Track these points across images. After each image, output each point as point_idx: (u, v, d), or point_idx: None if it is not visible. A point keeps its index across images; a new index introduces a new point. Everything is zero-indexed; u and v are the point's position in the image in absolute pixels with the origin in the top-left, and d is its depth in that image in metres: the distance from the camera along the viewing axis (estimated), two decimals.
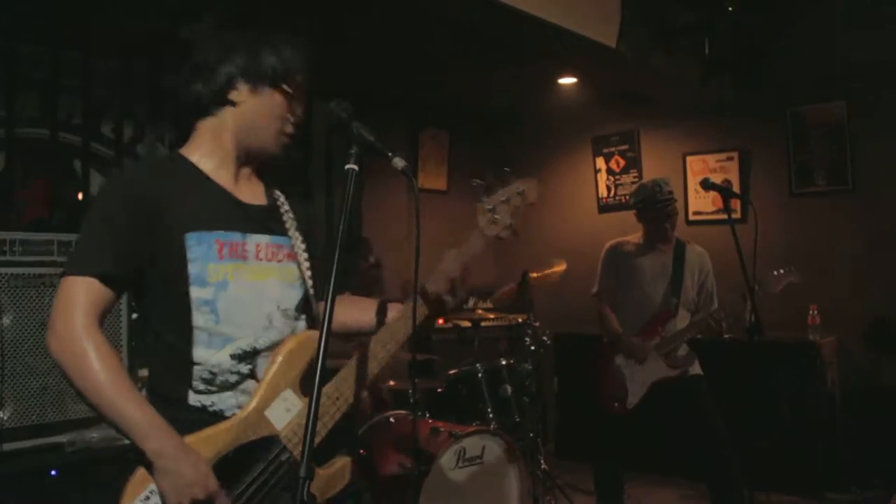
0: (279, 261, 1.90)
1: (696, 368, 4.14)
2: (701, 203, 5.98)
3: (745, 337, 3.79)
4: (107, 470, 3.11)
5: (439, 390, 4.38)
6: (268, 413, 1.78)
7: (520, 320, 4.77)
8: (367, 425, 3.94)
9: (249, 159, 1.91)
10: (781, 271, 3.92)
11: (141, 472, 1.65)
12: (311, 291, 1.97)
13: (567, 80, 5.99)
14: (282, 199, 2.01)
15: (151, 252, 1.73)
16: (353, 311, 2.13)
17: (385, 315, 2.07)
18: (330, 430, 1.84)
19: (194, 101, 1.85)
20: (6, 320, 3.13)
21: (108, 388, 1.62)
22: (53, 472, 3.09)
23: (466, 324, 5.02)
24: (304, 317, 1.94)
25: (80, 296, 1.65)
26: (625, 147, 6.50)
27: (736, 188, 5.72)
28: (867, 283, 5.15)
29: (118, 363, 1.65)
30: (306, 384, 1.84)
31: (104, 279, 1.67)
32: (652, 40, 4.84)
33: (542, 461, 4.62)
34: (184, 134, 1.91)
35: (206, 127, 1.87)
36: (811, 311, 5.23)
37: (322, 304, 1.96)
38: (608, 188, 6.62)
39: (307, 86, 1.90)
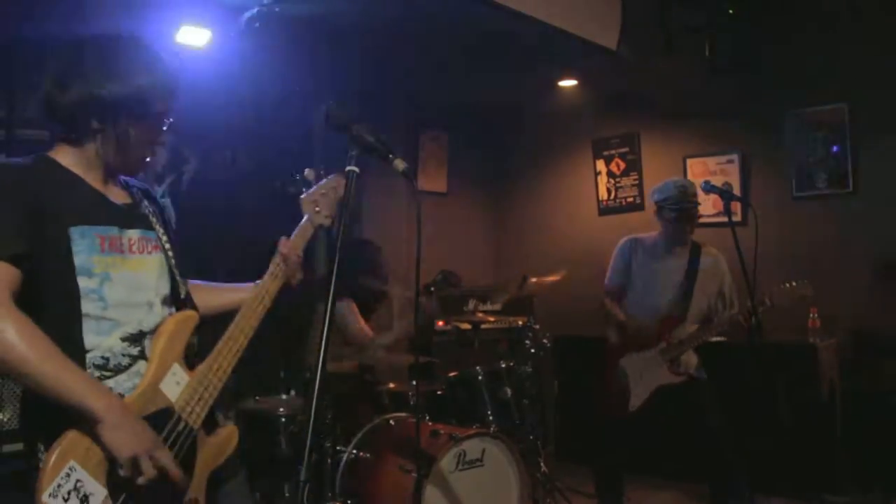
0: (149, 252, 2.00)
1: (700, 373, 4.13)
2: (702, 206, 5.96)
3: (745, 340, 3.79)
4: None
5: (439, 393, 4.38)
6: (161, 386, 1.88)
7: (520, 323, 4.77)
8: (367, 428, 3.93)
9: (113, 172, 1.99)
10: (794, 284, 3.89)
11: (58, 451, 1.68)
12: (179, 277, 2.08)
13: (568, 83, 6.00)
14: (140, 195, 2.10)
15: (39, 243, 1.76)
16: (222, 293, 2.28)
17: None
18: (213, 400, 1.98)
19: (56, 126, 1.89)
20: None
21: (43, 357, 1.65)
22: None
23: (466, 326, 5.02)
24: (175, 302, 2.05)
25: None
26: (625, 149, 6.50)
27: (736, 191, 5.71)
28: (868, 285, 5.14)
29: (40, 334, 1.66)
30: (189, 360, 1.98)
31: (14, 260, 1.70)
32: (652, 43, 4.84)
33: (542, 463, 4.61)
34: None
35: (72, 142, 1.90)
36: (811, 315, 5.22)
37: (191, 284, 2.16)
38: (608, 191, 6.61)
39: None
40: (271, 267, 2.18)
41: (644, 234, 4.33)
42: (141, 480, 1.71)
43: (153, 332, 1.93)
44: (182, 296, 2.08)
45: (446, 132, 6.75)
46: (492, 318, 5.09)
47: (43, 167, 1.88)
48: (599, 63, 4.88)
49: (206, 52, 4.48)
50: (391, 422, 3.93)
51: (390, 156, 1.73)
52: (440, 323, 5.46)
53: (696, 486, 4.93)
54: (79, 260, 1.80)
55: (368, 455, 3.81)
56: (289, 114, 5.42)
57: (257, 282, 2.19)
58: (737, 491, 3.83)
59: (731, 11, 5.10)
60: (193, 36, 4.38)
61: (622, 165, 6.52)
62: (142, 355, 1.90)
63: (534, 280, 4.71)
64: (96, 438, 1.69)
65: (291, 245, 2.22)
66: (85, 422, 1.68)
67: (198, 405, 1.93)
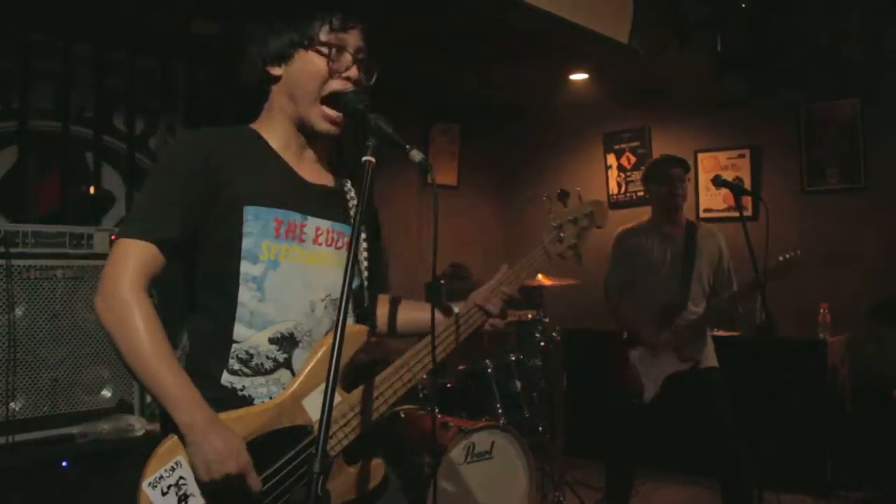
0: (338, 248, 1.87)
1: (711, 360, 4.11)
2: (712, 200, 5.96)
3: (755, 335, 3.79)
4: (118, 461, 3.13)
5: (448, 385, 4.39)
6: (305, 402, 1.75)
7: (529, 316, 4.76)
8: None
9: (308, 135, 1.88)
10: (787, 256, 3.87)
11: (170, 442, 1.63)
12: (367, 284, 1.94)
13: (579, 76, 5.97)
14: (349, 185, 1.97)
15: (208, 219, 1.71)
16: (414, 311, 2.11)
17: (450, 312, 2.05)
18: (374, 425, 1.82)
19: (246, 86, 1.86)
20: (19, 312, 3.14)
21: (149, 354, 1.60)
22: (65, 464, 3.11)
23: None
24: (354, 309, 1.91)
25: (133, 259, 1.64)
26: (636, 143, 6.49)
27: (747, 185, 5.69)
28: (879, 281, 5.12)
29: (161, 331, 1.63)
30: (348, 379, 1.82)
31: (161, 245, 1.66)
32: (664, 36, 4.82)
33: (550, 457, 4.62)
34: (220, 118, 1.94)
35: (266, 107, 1.88)
36: (822, 310, 5.20)
37: (380, 296, 2.01)
38: (619, 185, 6.60)
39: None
40: (461, 315, 1.97)
41: (634, 223, 4.32)
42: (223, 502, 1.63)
43: (307, 338, 1.79)
44: (364, 304, 1.92)
45: (457, 125, 6.75)
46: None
47: (236, 136, 1.83)
48: (611, 56, 4.86)
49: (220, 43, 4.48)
50: (401, 414, 3.95)
51: (408, 147, 1.71)
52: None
53: (705, 481, 4.93)
54: (247, 243, 1.72)
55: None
56: None
57: (457, 306, 2.00)
58: (745, 485, 3.82)
59: (743, 5, 5.07)
60: (205, 26, 4.38)
61: (633, 159, 6.51)
62: (287, 364, 1.76)
63: (548, 283, 4.69)
64: None
65: (517, 281, 2.00)
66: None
67: (342, 430, 1.75)
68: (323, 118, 1.83)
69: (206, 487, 1.62)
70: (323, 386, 1.68)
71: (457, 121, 6.73)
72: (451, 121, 6.70)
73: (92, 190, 4.40)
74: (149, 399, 3.55)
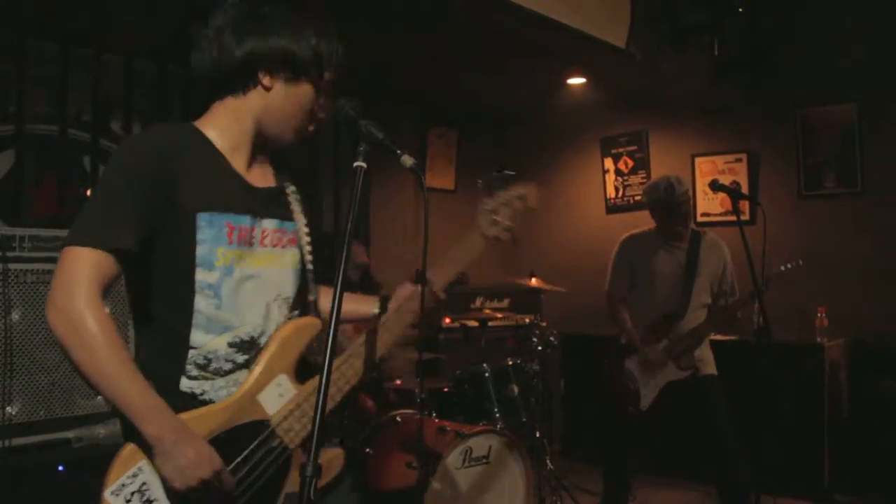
0: (283, 246, 1.87)
1: (710, 368, 4.11)
2: (709, 204, 5.97)
3: (753, 339, 3.78)
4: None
5: (446, 390, 4.38)
6: (260, 397, 1.76)
7: (527, 320, 4.77)
8: (374, 424, 3.94)
9: (264, 145, 1.87)
10: (788, 266, 3.89)
11: (128, 449, 1.62)
12: (311, 276, 1.95)
13: (576, 80, 5.98)
14: (289, 182, 1.98)
15: (162, 226, 1.65)
16: (350, 303, 2.13)
17: (387, 304, 2.07)
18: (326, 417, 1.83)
19: (223, 76, 1.79)
20: (15, 316, 3.14)
21: (109, 366, 1.54)
22: (61, 468, 3.10)
23: (474, 323, 5.02)
24: (299, 305, 1.93)
25: (86, 268, 1.55)
26: (633, 148, 6.49)
27: (745, 190, 5.69)
28: (876, 285, 5.12)
29: (120, 340, 1.57)
30: (300, 371, 1.84)
31: (115, 254, 1.59)
32: (661, 41, 4.82)
33: (547, 461, 4.61)
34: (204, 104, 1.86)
35: (227, 106, 1.82)
36: (819, 314, 5.20)
37: (321, 287, 2.00)
38: (616, 189, 6.61)
39: (339, 84, 1.85)
40: (400, 300, 2.00)
41: (641, 230, 4.31)
42: None
43: (265, 340, 1.80)
44: (311, 298, 1.94)
45: (454, 129, 6.75)
46: (499, 316, 5.09)
47: (186, 138, 1.76)
48: (608, 61, 4.86)
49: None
50: (398, 418, 3.94)
51: (398, 151, 1.72)
52: (447, 320, 5.47)
53: (702, 485, 4.93)
54: (201, 250, 1.68)
55: (375, 451, 3.82)
56: None
57: (395, 293, 2.06)
58: (743, 490, 3.82)
59: (740, 10, 5.08)
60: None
61: (630, 164, 6.51)
62: (246, 365, 1.77)
63: (536, 283, 4.70)
64: None
65: (458, 263, 2.06)
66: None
67: (299, 423, 1.78)
68: (297, 136, 1.87)
69: (177, 494, 1.60)
70: (278, 379, 1.76)
71: (454, 125, 6.73)
72: (449, 125, 6.70)
73: (88, 193, 4.40)
74: None
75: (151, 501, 1.62)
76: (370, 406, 4.22)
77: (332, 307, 1.57)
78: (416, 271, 1.99)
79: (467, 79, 5.81)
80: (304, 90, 1.83)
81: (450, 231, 6.39)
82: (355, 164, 1.67)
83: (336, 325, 1.55)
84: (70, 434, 3.22)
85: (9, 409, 3.10)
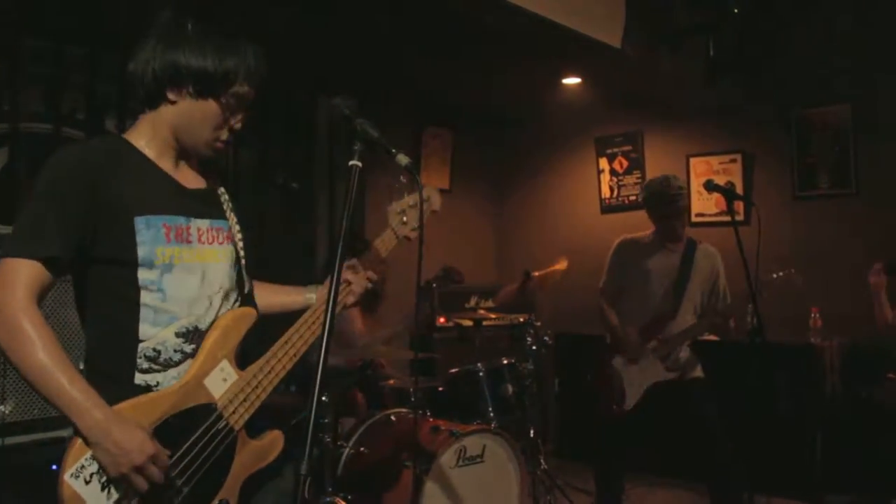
0: (220, 243, 1.96)
1: (696, 371, 4.12)
2: (704, 205, 5.98)
3: (746, 339, 3.80)
4: None
5: (440, 389, 4.38)
6: (206, 382, 1.85)
7: (521, 320, 4.77)
8: (368, 423, 3.94)
9: (185, 155, 1.96)
10: (780, 274, 3.90)
11: (80, 441, 1.68)
12: (244, 271, 2.05)
13: (571, 80, 5.99)
14: (217, 181, 2.08)
15: (97, 232, 1.74)
16: (276, 295, 2.26)
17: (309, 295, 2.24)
18: (261, 403, 1.93)
19: (135, 92, 1.87)
20: None
21: (43, 365, 1.63)
22: (54, 467, 3.09)
23: (468, 323, 5.02)
24: (237, 296, 2.02)
25: (22, 277, 1.66)
26: (628, 148, 6.50)
27: (739, 190, 5.71)
28: (870, 286, 5.13)
29: (55, 341, 1.66)
30: (241, 358, 1.93)
31: (48, 263, 1.69)
32: (656, 41, 4.84)
33: (542, 461, 4.62)
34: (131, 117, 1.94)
35: (147, 118, 1.90)
36: (813, 314, 5.22)
37: (255, 281, 2.14)
38: (611, 189, 6.62)
39: (250, 96, 1.91)
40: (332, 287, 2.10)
41: (638, 234, 4.32)
42: (138, 492, 1.68)
43: (209, 329, 1.89)
44: (245, 291, 2.05)
45: (449, 129, 6.75)
46: (493, 315, 5.10)
47: (114, 149, 1.85)
48: (603, 61, 4.87)
49: None
50: (392, 417, 3.94)
51: (393, 150, 1.74)
52: (442, 319, 5.47)
53: (694, 485, 4.94)
54: (142, 251, 1.77)
55: (369, 450, 3.82)
56: (291, 108, 5.43)
57: (320, 287, 2.19)
58: (735, 490, 3.83)
59: (735, 11, 5.10)
60: None
61: (625, 164, 6.52)
62: (194, 354, 1.86)
63: (536, 274, 4.70)
64: None
65: (376, 258, 2.23)
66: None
67: (242, 405, 1.88)
68: (210, 148, 1.93)
69: (119, 482, 1.67)
70: (221, 365, 1.86)
71: (449, 125, 6.73)
72: (444, 125, 6.70)
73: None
74: None
75: (111, 482, 1.68)
76: (360, 401, 4.23)
77: (328, 304, 1.59)
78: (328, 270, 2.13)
79: (462, 78, 5.81)
80: (209, 106, 1.87)
81: (445, 230, 6.44)
82: (350, 163, 1.70)
83: (332, 320, 1.58)
84: (64, 433, 3.20)
85: (2, 407, 3.10)
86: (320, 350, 1.57)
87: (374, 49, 4.97)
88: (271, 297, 2.22)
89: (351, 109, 1.78)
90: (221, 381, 1.86)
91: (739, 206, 5.52)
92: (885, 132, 5.17)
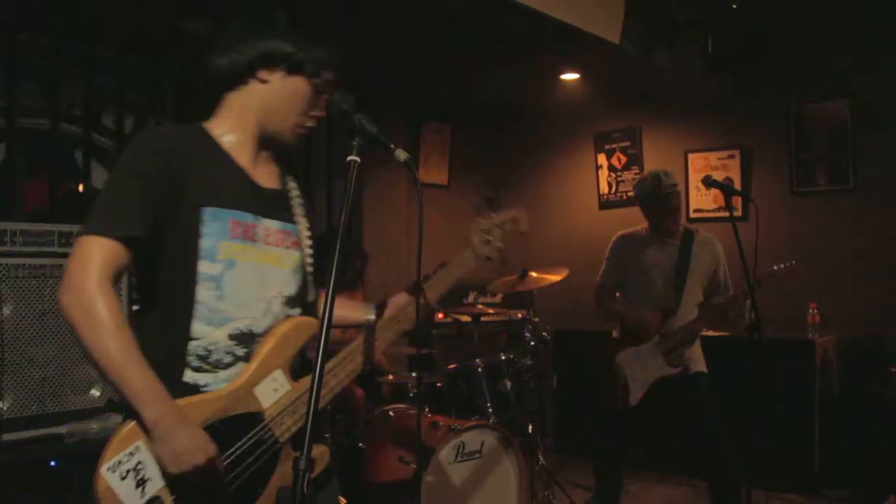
0: (286, 247, 1.92)
1: (699, 365, 4.11)
2: (702, 200, 5.98)
3: (744, 334, 3.80)
4: None
5: (439, 385, 4.38)
6: (256, 390, 1.81)
7: (519, 316, 4.77)
8: (366, 419, 3.94)
9: (267, 144, 1.93)
10: (781, 266, 3.90)
11: (128, 427, 1.66)
12: (311, 279, 2.00)
13: (569, 76, 5.99)
14: (293, 185, 2.04)
15: (168, 218, 1.72)
16: (344, 310, 2.19)
17: (383, 310, 2.14)
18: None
19: (225, 71, 1.87)
20: (6, 310, 3.13)
21: (115, 350, 1.60)
22: (53, 463, 3.09)
23: (466, 318, 5.02)
24: (299, 305, 1.97)
25: (98, 255, 1.63)
26: (626, 143, 6.50)
27: (737, 186, 5.70)
28: (867, 281, 5.14)
29: (127, 326, 1.64)
30: (296, 368, 1.88)
31: (127, 242, 1.67)
32: (655, 36, 4.82)
33: (540, 456, 4.62)
34: (207, 107, 1.93)
35: (231, 103, 1.89)
36: (811, 310, 5.22)
37: (321, 292, 2.06)
38: (609, 185, 6.61)
39: (334, 87, 1.91)
40: (396, 309, 2.08)
41: (634, 229, 4.32)
42: (189, 492, 1.67)
43: (265, 335, 1.84)
44: (309, 300, 2.01)
45: (448, 124, 6.75)
46: (491, 311, 5.10)
47: (194, 136, 1.84)
48: (601, 56, 4.86)
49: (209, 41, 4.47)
50: (391, 413, 3.94)
51: (392, 146, 1.74)
52: (440, 315, 5.47)
53: (694, 481, 4.95)
54: (205, 243, 1.75)
55: (368, 446, 3.82)
56: None
57: (388, 301, 2.14)
58: (734, 485, 3.83)
59: (734, 6, 5.09)
60: (195, 24, 4.37)
61: (623, 159, 6.52)
62: (246, 358, 1.82)
63: (534, 275, 4.70)
64: None
65: (450, 279, 2.15)
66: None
67: (290, 418, 1.83)
68: (294, 134, 1.92)
69: (172, 477, 1.65)
70: (274, 374, 1.81)
71: (448, 120, 6.73)
72: (443, 120, 6.70)
73: (80, 188, 4.38)
74: None
75: (146, 480, 1.65)
76: (359, 396, 4.22)
77: (326, 302, 1.59)
78: (412, 283, 2.09)
79: (461, 74, 5.80)
80: (299, 85, 1.88)
81: (443, 226, 6.45)
82: (349, 158, 1.70)
83: (329, 318, 1.57)
84: (62, 429, 3.21)
85: (0, 403, 3.09)
86: (319, 349, 1.55)
87: (372, 45, 4.96)
88: (337, 311, 2.18)
89: (349, 104, 1.78)
90: (272, 391, 1.82)
91: (737, 201, 5.52)
92: (883, 128, 5.17)
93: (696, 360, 4.11)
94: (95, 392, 3.37)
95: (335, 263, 1.59)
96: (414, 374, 4.41)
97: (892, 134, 5.13)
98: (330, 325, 1.57)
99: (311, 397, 1.52)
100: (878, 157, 5.21)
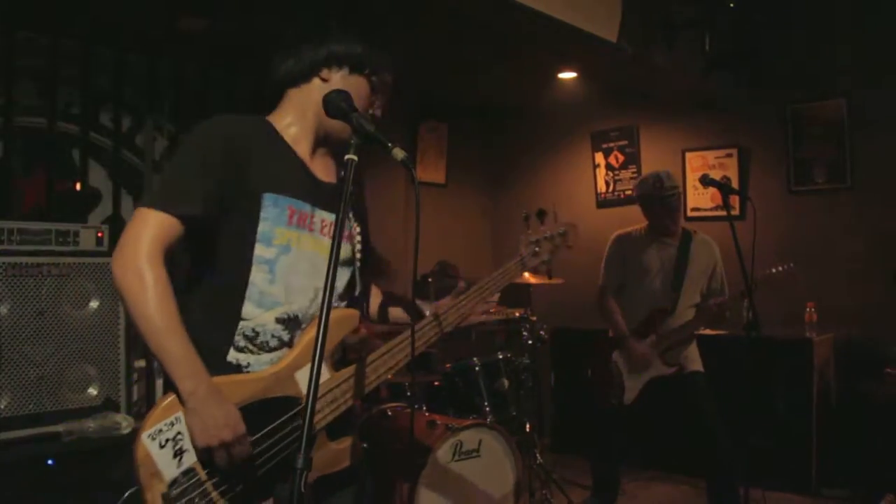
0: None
1: (695, 364, 4.12)
2: (700, 199, 5.98)
3: (742, 333, 3.79)
4: (103, 459, 3.12)
5: (436, 383, 4.38)
6: (297, 375, 1.84)
7: (517, 314, 4.77)
8: (364, 418, 3.94)
9: (325, 140, 1.99)
10: (780, 268, 3.91)
11: (170, 398, 1.70)
12: (358, 274, 2.05)
13: (567, 75, 5.98)
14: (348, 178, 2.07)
15: (229, 201, 1.78)
16: (400, 312, 2.27)
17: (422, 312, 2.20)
18: (349, 408, 1.92)
19: (288, 72, 1.95)
20: (3, 309, 3.13)
21: (158, 321, 1.65)
22: (50, 462, 3.09)
23: None
24: (347, 297, 2.03)
25: (153, 228, 1.69)
26: (624, 142, 6.50)
27: (735, 185, 5.70)
28: (865, 280, 5.15)
29: (172, 300, 1.68)
30: (337, 358, 1.93)
31: (182, 219, 1.72)
32: (653, 35, 4.82)
33: (538, 455, 4.63)
34: (271, 103, 2.00)
35: (293, 98, 1.97)
36: (808, 309, 5.23)
37: (374, 287, 2.17)
38: (607, 183, 6.61)
39: (391, 90, 2.00)
40: (431, 318, 2.09)
41: (632, 228, 4.33)
42: (217, 466, 1.70)
43: (309, 323, 1.89)
44: (356, 293, 2.05)
45: (445, 123, 6.74)
46: (489, 309, 5.08)
47: (258, 125, 1.91)
48: (599, 55, 4.86)
49: (206, 40, 4.47)
50: (388, 412, 3.94)
51: (390, 144, 1.74)
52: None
53: (692, 479, 4.95)
54: (263, 227, 1.81)
55: (365, 445, 3.82)
56: None
57: (437, 303, 2.17)
58: (732, 484, 3.84)
59: (731, 5, 5.09)
60: (193, 23, 4.37)
61: (621, 158, 6.52)
62: (290, 344, 1.87)
63: (533, 280, 4.70)
64: None
65: (496, 288, 2.18)
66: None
67: (328, 406, 1.86)
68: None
69: (200, 450, 1.69)
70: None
71: (445, 119, 6.73)
72: (440, 119, 6.69)
73: (78, 187, 4.38)
74: (135, 397, 3.54)
75: (183, 451, 1.70)
76: (358, 404, 4.21)
77: (324, 299, 1.59)
78: (457, 289, 2.18)
79: (458, 72, 5.80)
80: (359, 83, 1.97)
81: (441, 225, 6.44)
82: (346, 157, 1.70)
83: (327, 315, 1.57)
84: (60, 428, 3.21)
85: None
86: (317, 349, 1.55)
87: (370, 44, 4.95)
88: (393, 310, 2.24)
89: (347, 103, 1.78)
90: None
91: (735, 200, 5.52)
92: (880, 127, 5.17)
93: (692, 359, 4.12)
94: (93, 391, 3.37)
95: (333, 266, 1.59)
96: (411, 374, 4.41)
97: (889, 133, 5.13)
98: (328, 325, 1.57)
99: (308, 395, 1.51)
100: (875, 155, 5.21)
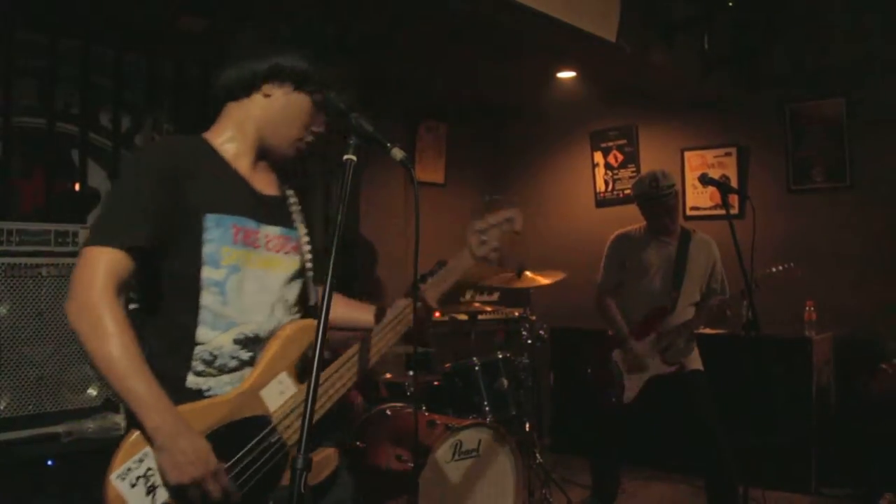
0: (286, 253, 1.95)
1: (695, 363, 4.13)
2: (699, 198, 5.98)
3: (741, 332, 3.81)
4: (103, 460, 3.12)
5: (436, 383, 4.38)
6: (262, 393, 1.82)
7: (516, 314, 4.78)
8: (363, 418, 3.94)
9: (266, 155, 1.96)
10: (781, 267, 3.92)
11: (135, 435, 1.66)
12: (311, 283, 2.03)
13: (566, 74, 5.98)
14: (290, 192, 2.06)
15: (171, 227, 1.74)
16: (351, 310, 2.23)
17: (383, 313, 2.14)
18: (322, 417, 1.88)
19: (228, 84, 1.91)
20: (2, 310, 3.12)
21: (119, 359, 1.61)
22: (50, 462, 3.09)
23: (463, 317, 5.02)
24: (301, 308, 2.00)
25: (103, 266, 1.65)
26: (623, 142, 6.50)
27: (734, 184, 5.71)
28: (864, 279, 5.15)
29: (132, 336, 1.64)
30: (301, 370, 1.90)
31: (131, 252, 1.68)
32: (651, 35, 4.83)
33: (537, 454, 4.63)
34: (208, 116, 1.97)
35: (232, 113, 1.93)
36: (808, 308, 5.23)
37: (320, 290, 2.02)
38: (606, 183, 6.61)
39: (338, 106, 1.91)
40: (397, 311, 2.06)
41: (631, 228, 4.34)
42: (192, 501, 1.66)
43: (268, 339, 1.87)
44: (311, 303, 2.04)
45: (444, 123, 6.74)
46: (489, 309, 5.10)
47: (194, 147, 1.87)
48: (598, 55, 4.86)
49: (206, 40, 4.46)
50: (387, 412, 3.94)
51: (389, 144, 1.74)
52: (437, 314, 5.46)
53: (691, 478, 4.95)
54: (208, 249, 1.78)
55: (365, 445, 3.82)
56: None
57: (393, 304, 2.12)
58: (731, 483, 3.84)
59: (730, 4, 5.09)
60: (193, 23, 4.36)
61: (620, 157, 6.52)
62: (251, 362, 1.85)
63: (529, 275, 4.71)
64: None
65: (449, 280, 2.14)
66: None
67: (298, 420, 1.82)
68: (294, 148, 1.96)
69: (173, 487, 1.65)
70: (280, 377, 1.82)
71: (444, 118, 6.72)
72: (439, 118, 6.68)
73: (77, 187, 4.37)
74: None
75: (156, 487, 1.65)
76: (359, 402, 4.22)
77: (323, 298, 1.59)
78: (410, 286, 2.09)
79: (457, 72, 5.79)
80: (302, 101, 1.92)
81: (440, 224, 6.45)
82: (345, 157, 1.70)
83: (326, 315, 1.57)
84: (59, 429, 3.20)
85: None
86: (316, 347, 1.55)
87: (369, 43, 4.96)
88: (343, 311, 2.20)
89: (346, 103, 1.78)
90: (278, 393, 1.83)
91: (734, 199, 5.53)
92: (879, 126, 5.17)
93: (692, 358, 4.13)
94: (92, 391, 3.37)
95: (331, 264, 1.59)
96: (411, 373, 4.41)
97: (888, 131, 5.14)
98: (327, 323, 1.57)
99: (308, 395, 1.52)
100: (874, 154, 5.22)
